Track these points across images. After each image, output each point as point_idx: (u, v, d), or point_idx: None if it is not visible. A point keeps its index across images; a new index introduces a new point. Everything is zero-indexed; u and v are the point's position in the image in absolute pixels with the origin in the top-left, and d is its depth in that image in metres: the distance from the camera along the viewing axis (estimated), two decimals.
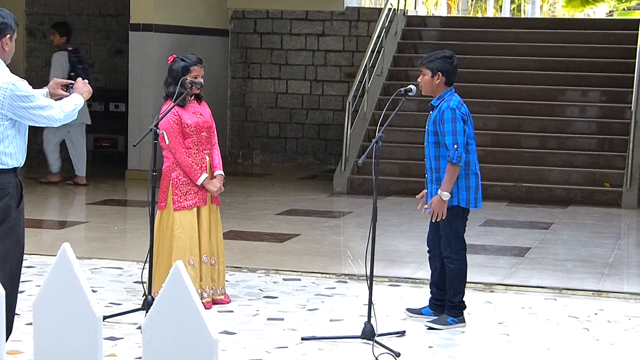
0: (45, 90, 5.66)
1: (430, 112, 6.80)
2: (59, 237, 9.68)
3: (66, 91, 5.69)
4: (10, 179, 5.35)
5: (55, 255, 9.16)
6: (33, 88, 5.40)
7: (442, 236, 6.78)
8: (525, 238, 10.16)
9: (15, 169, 5.38)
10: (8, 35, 5.51)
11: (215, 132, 7.31)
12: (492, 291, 7.91)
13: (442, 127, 6.60)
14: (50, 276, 2.97)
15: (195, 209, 7.08)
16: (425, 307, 6.97)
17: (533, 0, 33.94)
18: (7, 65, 5.45)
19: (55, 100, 5.56)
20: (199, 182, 7.03)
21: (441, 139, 6.62)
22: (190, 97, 7.14)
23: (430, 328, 6.69)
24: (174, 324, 2.83)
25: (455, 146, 6.54)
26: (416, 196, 7.03)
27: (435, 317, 6.77)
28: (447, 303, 6.76)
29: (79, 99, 5.52)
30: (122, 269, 8.37)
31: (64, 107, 5.41)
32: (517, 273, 8.52)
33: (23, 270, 8.30)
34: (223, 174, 7.23)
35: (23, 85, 5.33)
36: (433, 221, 6.76)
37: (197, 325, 2.80)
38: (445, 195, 6.59)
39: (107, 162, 16.00)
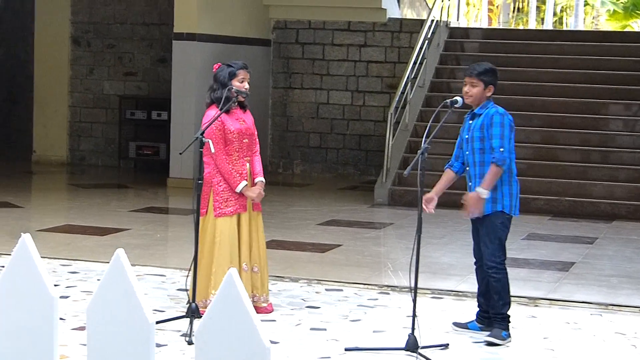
0: None
1: (470, 120, 6.77)
2: (102, 244, 9.72)
3: None
4: None
5: (98, 262, 9.11)
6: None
7: (485, 246, 6.71)
8: (569, 252, 10.07)
9: None
10: None
11: (257, 139, 7.32)
12: (537, 305, 7.84)
13: (490, 130, 6.60)
14: (104, 281, 2.98)
15: (235, 216, 7.09)
16: (472, 321, 6.91)
17: (576, 13, 33.75)
18: None
19: None
20: (238, 190, 7.01)
21: (487, 143, 6.60)
22: (235, 104, 7.15)
23: (489, 344, 6.59)
24: (226, 331, 2.83)
25: (502, 149, 6.56)
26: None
27: (491, 332, 6.67)
28: (496, 316, 6.67)
29: None
30: (164, 276, 8.39)
31: None
32: (562, 288, 8.44)
33: (67, 275, 8.37)
34: (264, 180, 7.23)
35: None
36: (466, 217, 6.66)
37: (250, 333, 2.80)
38: (484, 193, 6.57)
39: (149, 170, 16.08)
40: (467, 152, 6.77)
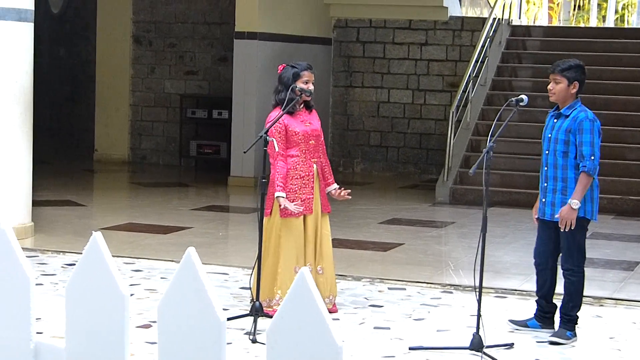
0: None
1: (555, 119, 6.68)
2: (165, 242, 9.79)
3: None
4: None
5: (161, 260, 9.17)
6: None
7: (564, 248, 6.66)
8: (634, 252, 9.94)
9: None
10: None
11: (324, 142, 7.30)
12: (602, 305, 7.74)
13: (580, 136, 6.52)
14: (175, 280, 2.98)
15: (301, 217, 7.07)
16: (531, 319, 6.86)
17: (638, 10, 33.29)
18: None
19: None
20: (275, 195, 6.95)
21: (577, 148, 6.52)
22: (300, 105, 7.13)
23: (552, 343, 6.54)
24: (298, 330, 2.82)
25: (592, 157, 6.49)
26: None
27: (555, 331, 6.63)
28: (564, 316, 6.61)
29: None
30: (227, 274, 8.42)
31: None
32: (627, 287, 8.33)
33: (130, 273, 8.43)
34: (337, 186, 7.22)
35: None
36: (562, 230, 6.61)
37: (322, 332, 2.78)
38: (576, 204, 6.50)
39: (210, 169, 16.17)
40: (546, 152, 6.69)
